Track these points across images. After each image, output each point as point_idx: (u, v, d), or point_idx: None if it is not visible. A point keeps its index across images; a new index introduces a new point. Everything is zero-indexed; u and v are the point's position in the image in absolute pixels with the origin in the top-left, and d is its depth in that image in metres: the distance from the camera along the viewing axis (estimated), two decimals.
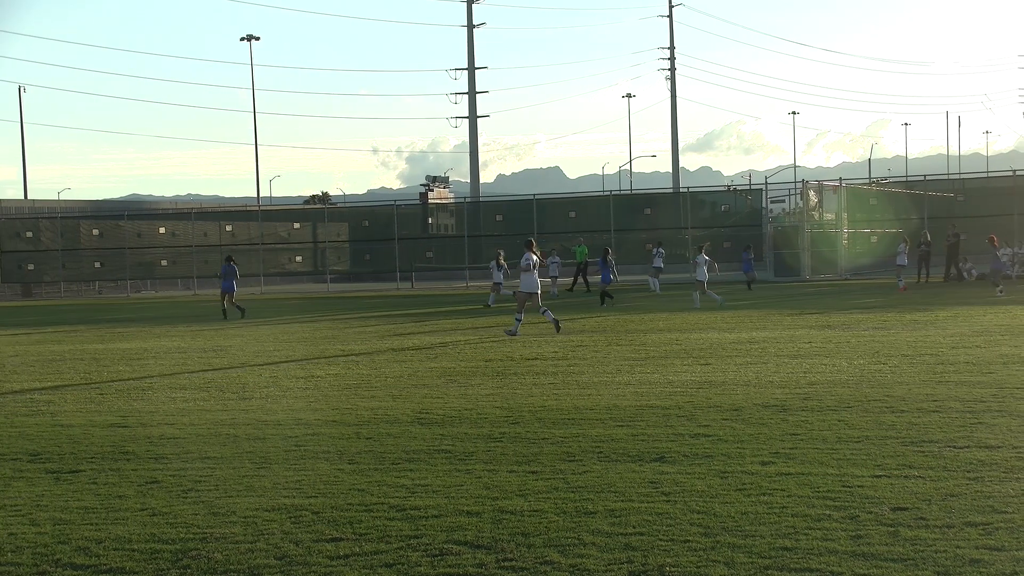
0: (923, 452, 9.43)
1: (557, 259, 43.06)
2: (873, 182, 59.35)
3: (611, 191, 63.34)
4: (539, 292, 23.43)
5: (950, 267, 41.82)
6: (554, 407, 12.72)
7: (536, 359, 18.09)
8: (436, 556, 6.90)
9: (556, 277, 42.72)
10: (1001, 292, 31.81)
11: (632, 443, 10.32)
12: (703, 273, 32.03)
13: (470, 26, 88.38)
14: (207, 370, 18.11)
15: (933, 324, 22.41)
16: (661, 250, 45.27)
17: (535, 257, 23.41)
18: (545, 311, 23.36)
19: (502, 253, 36.69)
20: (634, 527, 7.37)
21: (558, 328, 22.82)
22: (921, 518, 7.34)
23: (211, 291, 55.85)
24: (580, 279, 45.20)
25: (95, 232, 59.19)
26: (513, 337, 22.39)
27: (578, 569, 6.56)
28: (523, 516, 7.76)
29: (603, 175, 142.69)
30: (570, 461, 9.61)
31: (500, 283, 36.17)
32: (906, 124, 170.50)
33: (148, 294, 55.91)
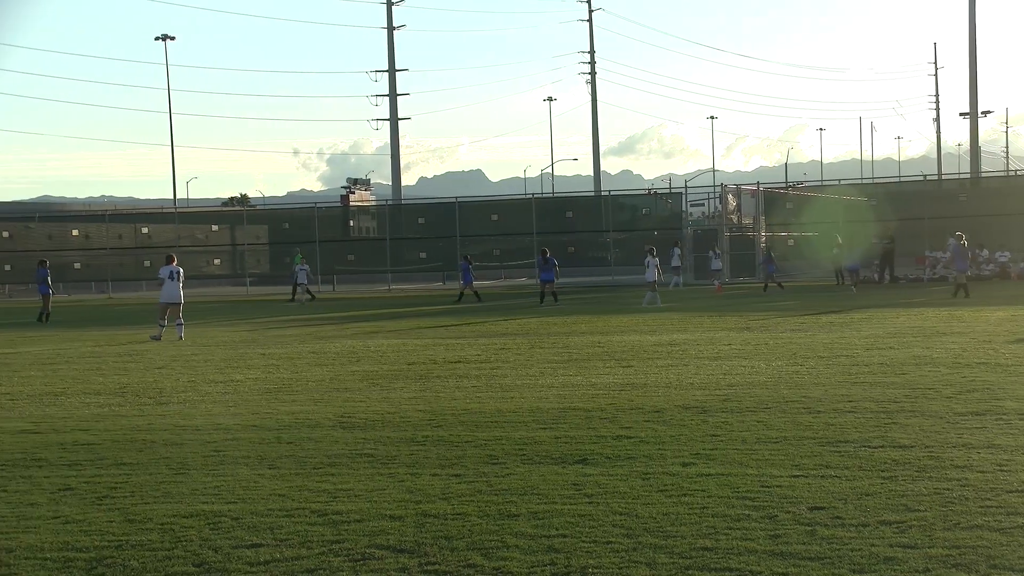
0: (839, 452, 9.59)
1: (714, 252, 43.26)
2: (790, 186, 60.39)
3: (533, 194, 63.64)
4: (181, 303, 25.23)
5: (884, 269, 42.66)
6: (477, 410, 12.71)
7: (459, 362, 18.06)
8: (358, 561, 6.85)
9: (719, 271, 42.84)
10: (853, 290, 35.61)
11: (555, 445, 10.36)
12: (652, 274, 33.67)
13: (390, 28, 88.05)
14: (122, 375, 17.78)
15: (848, 326, 22.83)
16: (677, 249, 45.11)
17: (174, 269, 25.60)
18: (179, 324, 24.99)
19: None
20: (557, 529, 7.39)
21: (181, 336, 24.66)
22: (837, 517, 7.47)
23: (126, 294, 54.86)
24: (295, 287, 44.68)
25: (4, 234, 57.76)
26: (157, 341, 24.27)
27: (502, 572, 6.56)
28: (446, 519, 7.73)
29: (525, 178, 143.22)
30: (493, 464, 9.60)
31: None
32: (821, 129, 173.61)
33: (61, 297, 54.65)
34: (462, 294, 38.96)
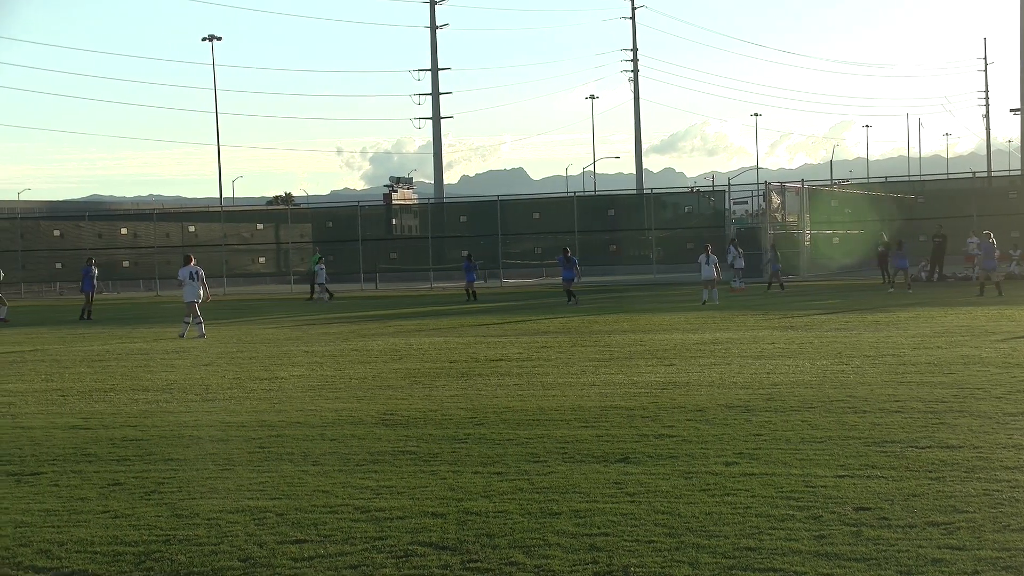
0: (885, 452, 9.51)
1: (738, 251, 42.93)
2: (835, 184, 59.90)
3: (575, 192, 63.45)
4: (197, 302, 25.55)
5: (934, 267, 42.15)
6: (519, 408, 12.73)
7: (501, 360, 18.09)
8: (401, 558, 6.89)
9: (742, 269, 42.67)
10: (892, 290, 35.66)
11: (597, 444, 10.35)
12: (710, 271, 33.47)
13: (433, 27, 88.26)
14: (170, 372, 17.97)
15: (895, 325, 22.61)
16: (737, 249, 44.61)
17: (193, 270, 26.06)
18: (199, 323, 25.31)
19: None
20: (599, 528, 7.39)
21: (185, 335, 25.15)
22: (884, 518, 7.41)
23: (174, 292, 55.44)
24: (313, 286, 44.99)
25: (55, 233, 58.52)
26: (181, 339, 24.79)
27: (543, 570, 6.57)
28: (488, 517, 7.75)
29: (567, 176, 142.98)
30: (535, 462, 9.61)
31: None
32: (867, 126, 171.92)
33: (109, 295, 55.30)
34: (471, 293, 39.26)
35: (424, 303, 39.16)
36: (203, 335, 24.96)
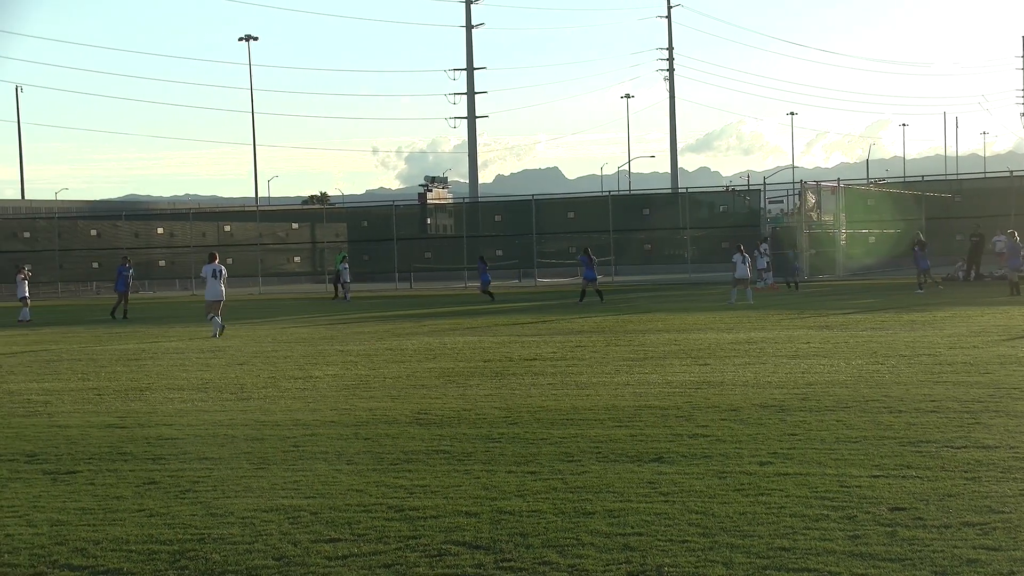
0: (921, 452, 9.44)
1: (759, 251, 42.67)
2: (871, 183, 59.44)
3: (610, 192, 63.32)
4: (221, 301, 25.62)
5: (971, 267, 41.73)
6: (552, 407, 12.73)
7: (535, 359, 18.09)
8: (434, 557, 6.91)
9: (764, 269, 42.42)
10: (920, 291, 34.48)
11: (630, 443, 10.33)
12: (743, 271, 33.51)
13: (468, 26, 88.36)
14: (205, 371, 18.10)
15: (931, 324, 22.42)
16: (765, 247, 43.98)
17: (216, 267, 26.10)
18: (215, 319, 25.24)
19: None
20: (632, 527, 7.38)
21: (219, 334, 24.89)
22: (919, 518, 7.35)
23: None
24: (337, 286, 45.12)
25: (92, 232, 59.05)
26: (214, 338, 24.47)
27: (576, 569, 6.56)
28: (521, 516, 7.76)
29: (602, 175, 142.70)
30: (568, 461, 9.61)
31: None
32: (904, 125, 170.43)
33: (146, 294, 55.75)
34: (490, 295, 38.66)
35: (459, 302, 39.20)
36: (222, 328, 25.09)
